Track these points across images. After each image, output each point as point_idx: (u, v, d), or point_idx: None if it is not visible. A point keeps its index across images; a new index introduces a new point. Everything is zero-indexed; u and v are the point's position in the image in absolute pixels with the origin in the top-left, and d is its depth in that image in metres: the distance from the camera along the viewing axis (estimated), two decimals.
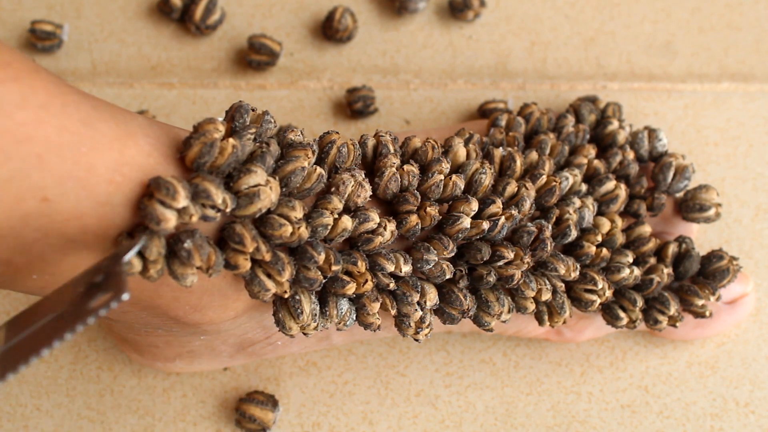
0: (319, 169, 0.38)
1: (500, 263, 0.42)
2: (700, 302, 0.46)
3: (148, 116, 0.46)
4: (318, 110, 0.55)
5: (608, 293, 0.44)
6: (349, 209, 0.40)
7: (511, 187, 0.43)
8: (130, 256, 0.33)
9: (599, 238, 0.45)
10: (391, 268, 0.40)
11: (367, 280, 0.39)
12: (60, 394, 0.50)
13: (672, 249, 0.47)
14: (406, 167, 0.41)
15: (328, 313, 0.40)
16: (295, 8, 0.57)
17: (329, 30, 0.56)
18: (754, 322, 0.52)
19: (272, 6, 0.57)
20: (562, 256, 0.43)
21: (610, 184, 0.46)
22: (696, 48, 0.57)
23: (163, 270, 0.35)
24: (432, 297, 0.42)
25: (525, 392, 0.50)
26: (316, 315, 0.40)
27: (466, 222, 0.41)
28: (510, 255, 0.42)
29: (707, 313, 0.47)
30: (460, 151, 0.43)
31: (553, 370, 0.51)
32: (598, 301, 0.44)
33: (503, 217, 0.42)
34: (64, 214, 0.32)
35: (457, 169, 0.43)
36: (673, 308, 0.46)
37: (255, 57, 0.55)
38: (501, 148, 0.45)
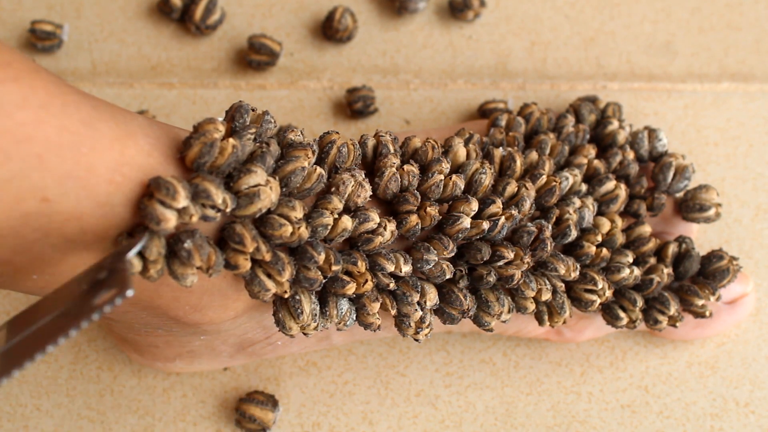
0: (319, 169, 0.38)
1: (500, 263, 0.42)
2: (700, 302, 0.46)
3: (148, 116, 0.46)
4: (318, 110, 0.55)
5: (608, 293, 0.44)
6: (349, 209, 0.40)
7: (511, 187, 0.43)
8: (133, 253, 0.33)
9: (599, 238, 0.45)
10: (391, 268, 0.40)
11: (367, 280, 0.39)
12: (60, 394, 0.50)
13: (672, 249, 0.47)
14: (406, 167, 0.41)
15: (328, 313, 0.40)
16: (295, 8, 0.57)
17: (329, 30, 0.56)
18: (754, 322, 0.52)
19: (272, 6, 0.57)
20: (562, 256, 0.43)
21: (610, 184, 0.46)
22: (696, 48, 0.57)
23: (163, 270, 0.35)
24: (432, 297, 0.42)
25: (525, 392, 0.50)
26: (316, 315, 0.40)
27: (466, 222, 0.41)
28: (510, 255, 0.41)
29: (707, 313, 0.47)
30: (460, 151, 0.43)
31: (553, 370, 0.51)
32: (598, 301, 0.44)
33: (503, 217, 0.42)
34: (64, 214, 0.32)
35: (457, 169, 0.43)
36: (673, 308, 0.46)
37: (255, 57, 0.55)
38: (501, 148, 0.45)
